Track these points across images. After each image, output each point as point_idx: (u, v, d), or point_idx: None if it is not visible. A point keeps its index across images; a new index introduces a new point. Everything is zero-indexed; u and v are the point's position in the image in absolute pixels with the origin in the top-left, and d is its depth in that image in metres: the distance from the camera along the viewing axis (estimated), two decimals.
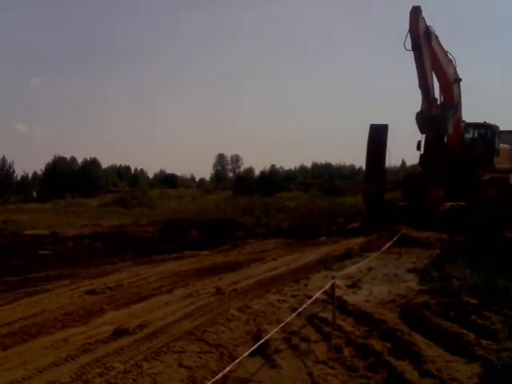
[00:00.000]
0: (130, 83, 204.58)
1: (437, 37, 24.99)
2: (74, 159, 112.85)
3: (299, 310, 8.86)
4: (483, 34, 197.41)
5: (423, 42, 23.83)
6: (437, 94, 25.93)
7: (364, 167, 28.96)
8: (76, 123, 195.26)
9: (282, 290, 12.10)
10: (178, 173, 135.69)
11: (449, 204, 24.72)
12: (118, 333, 8.64)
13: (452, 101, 26.96)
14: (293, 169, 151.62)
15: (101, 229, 30.04)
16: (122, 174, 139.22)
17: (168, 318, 9.74)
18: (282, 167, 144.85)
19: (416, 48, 23.75)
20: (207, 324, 9.25)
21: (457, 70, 27.53)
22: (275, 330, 7.92)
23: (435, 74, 25.64)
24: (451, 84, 26.91)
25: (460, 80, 27.69)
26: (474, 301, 10.16)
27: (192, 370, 6.99)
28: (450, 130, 25.95)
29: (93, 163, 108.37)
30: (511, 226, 18.66)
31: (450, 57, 26.97)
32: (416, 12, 23.42)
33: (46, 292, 12.42)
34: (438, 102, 26.01)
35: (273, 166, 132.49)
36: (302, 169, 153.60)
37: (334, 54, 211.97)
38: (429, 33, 24.14)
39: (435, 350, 7.66)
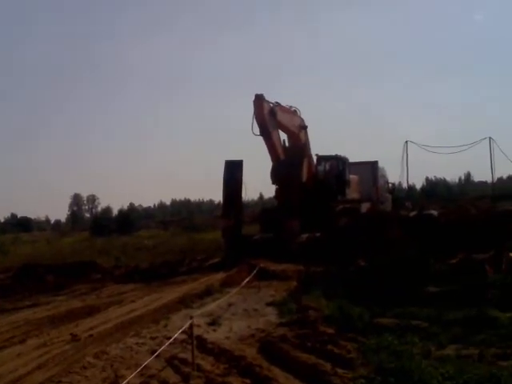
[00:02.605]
0: None
1: (279, 105, 26.03)
2: None
3: (158, 352, 8.68)
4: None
5: (270, 125, 24.98)
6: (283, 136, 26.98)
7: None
8: None
9: (140, 333, 11.83)
10: (32, 216, 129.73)
11: (305, 236, 25.27)
12: None
13: (299, 144, 27.86)
14: (152, 206, 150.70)
15: None
16: None
17: (19, 370, 9.27)
18: (140, 205, 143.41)
19: (264, 134, 24.68)
20: (62, 374, 8.88)
21: (302, 118, 28.52)
22: (133, 374, 7.68)
23: (282, 131, 26.62)
24: (298, 133, 27.82)
25: (306, 127, 28.67)
26: (330, 330, 10.43)
27: None
28: (304, 177, 26.90)
29: None
30: (364, 255, 19.33)
31: (295, 108, 27.96)
32: (260, 100, 24.38)
33: None
34: (287, 144, 27.01)
35: (131, 204, 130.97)
36: (162, 206, 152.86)
37: (194, 90, 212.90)
38: (274, 112, 25.13)
39: (293, 383, 7.74)
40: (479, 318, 10.85)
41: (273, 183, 27.31)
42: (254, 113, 24.48)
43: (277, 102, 25.71)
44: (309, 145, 28.92)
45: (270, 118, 24.82)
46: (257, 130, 24.78)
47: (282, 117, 25.89)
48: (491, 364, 8.09)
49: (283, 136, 26.97)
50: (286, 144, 27.22)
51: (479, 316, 10.97)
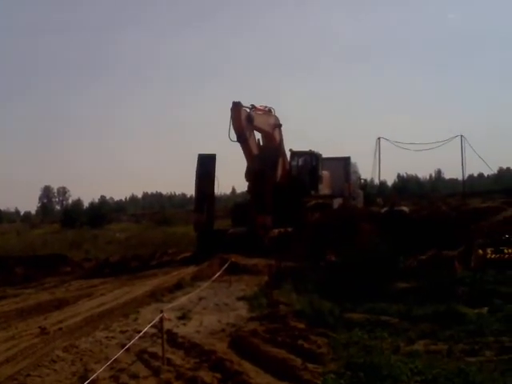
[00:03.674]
0: None
1: (255, 108, 26.15)
2: None
3: (127, 345, 8.64)
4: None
5: (247, 131, 25.13)
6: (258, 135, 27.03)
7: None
8: None
9: (110, 327, 11.76)
10: (1, 207, 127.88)
11: (277, 230, 25.30)
12: None
13: (274, 143, 27.92)
14: (123, 199, 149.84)
15: None
16: None
17: None
18: (112, 198, 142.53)
19: (241, 140, 24.68)
20: (30, 367, 8.79)
21: (277, 116, 28.65)
22: (102, 368, 7.65)
23: (258, 132, 26.67)
24: (273, 133, 27.88)
25: (281, 125, 28.73)
26: (300, 325, 10.45)
27: None
28: (278, 176, 26.95)
29: None
30: (335, 250, 19.38)
31: (269, 108, 28.09)
32: (237, 107, 24.42)
33: None
34: (261, 143, 27.03)
35: (102, 197, 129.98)
36: (133, 199, 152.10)
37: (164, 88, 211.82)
38: (251, 118, 25.25)
39: (264, 378, 7.75)
40: (448, 314, 10.96)
41: (247, 181, 27.26)
42: (232, 119, 24.45)
43: (252, 105, 25.73)
44: (283, 142, 29.01)
45: (247, 124, 24.94)
46: (233, 135, 24.83)
47: (258, 120, 26.00)
48: (459, 359, 8.17)
49: (258, 135, 27.05)
50: (261, 143, 27.27)
51: (448, 312, 11.07)
